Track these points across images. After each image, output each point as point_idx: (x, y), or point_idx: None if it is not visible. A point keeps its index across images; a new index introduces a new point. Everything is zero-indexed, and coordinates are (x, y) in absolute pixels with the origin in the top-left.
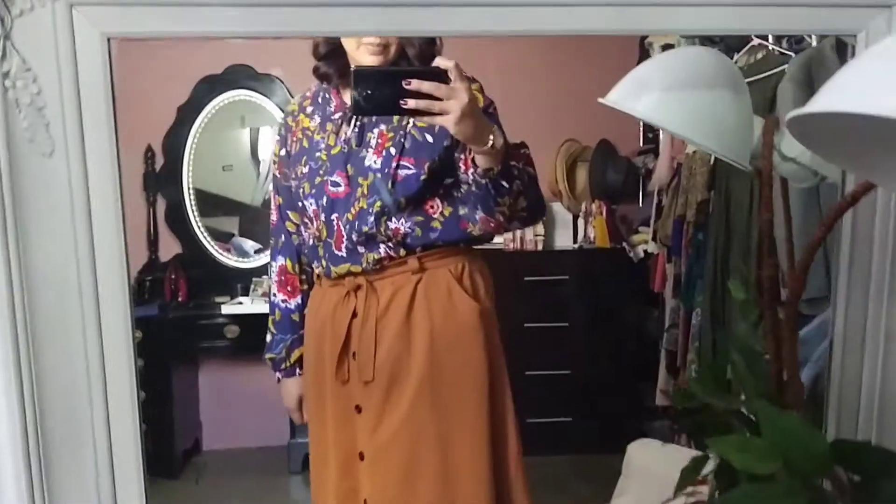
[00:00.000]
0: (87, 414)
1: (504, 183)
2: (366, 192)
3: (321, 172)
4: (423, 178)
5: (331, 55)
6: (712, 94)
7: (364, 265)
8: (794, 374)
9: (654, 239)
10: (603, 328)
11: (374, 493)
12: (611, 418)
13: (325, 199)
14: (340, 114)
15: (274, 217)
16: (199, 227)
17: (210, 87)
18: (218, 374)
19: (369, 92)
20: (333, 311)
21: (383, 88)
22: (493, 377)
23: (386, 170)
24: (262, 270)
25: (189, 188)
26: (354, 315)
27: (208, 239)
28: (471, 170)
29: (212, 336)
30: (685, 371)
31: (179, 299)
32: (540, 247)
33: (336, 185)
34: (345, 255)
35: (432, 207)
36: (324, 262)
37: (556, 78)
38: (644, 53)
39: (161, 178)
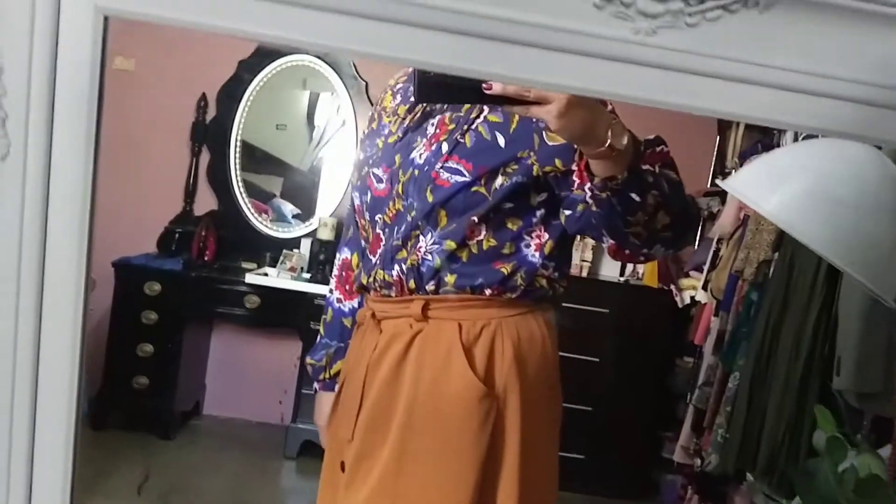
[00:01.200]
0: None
1: (634, 195)
2: (400, 191)
3: (370, 162)
4: (473, 189)
5: None
6: (867, 208)
7: (373, 282)
8: None
9: (704, 288)
10: (634, 369)
11: None
12: (625, 463)
13: (368, 194)
14: None
15: (350, 204)
16: (238, 184)
17: (275, 46)
18: (230, 341)
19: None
20: (352, 342)
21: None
22: (489, 475)
23: (427, 168)
24: (294, 243)
25: (236, 140)
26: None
27: (245, 199)
28: (587, 183)
29: (231, 302)
30: (710, 433)
31: (206, 258)
32: (584, 273)
33: (378, 179)
34: (373, 262)
35: (473, 232)
36: (361, 266)
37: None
38: None
39: (210, 129)
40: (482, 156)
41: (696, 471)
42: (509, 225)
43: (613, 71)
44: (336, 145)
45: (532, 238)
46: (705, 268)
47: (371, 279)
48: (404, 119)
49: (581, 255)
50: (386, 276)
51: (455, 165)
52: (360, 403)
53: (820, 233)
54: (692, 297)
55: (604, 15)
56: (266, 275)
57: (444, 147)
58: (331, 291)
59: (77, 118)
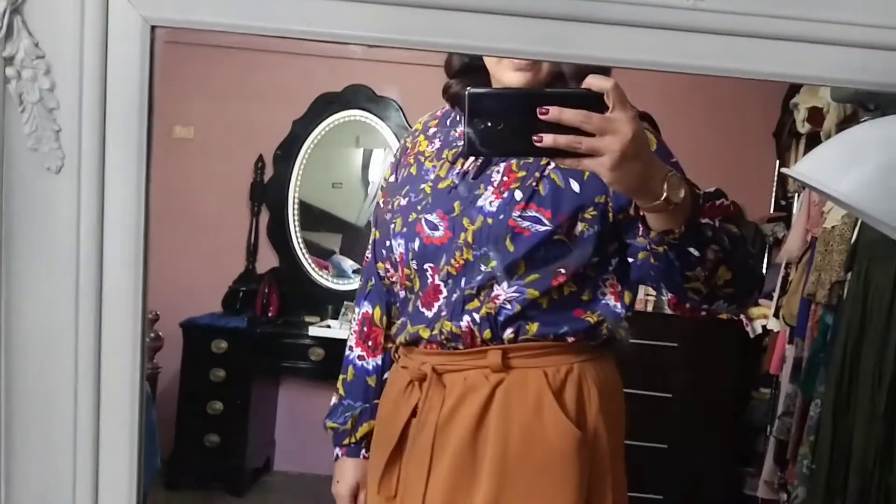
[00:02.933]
0: None
1: (692, 250)
2: (470, 240)
3: (419, 208)
4: (556, 237)
5: (466, 71)
6: None
7: (437, 335)
8: None
9: (775, 315)
10: (708, 404)
11: None
12: (704, 501)
13: (416, 242)
14: None
15: (369, 254)
16: (298, 242)
17: (327, 104)
18: (298, 395)
19: (489, 124)
20: (395, 402)
21: (509, 119)
22: None
23: (501, 216)
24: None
25: (294, 200)
26: (414, 414)
27: (306, 255)
28: (645, 238)
29: (296, 356)
30: (794, 465)
31: (269, 314)
32: (650, 308)
33: (433, 226)
34: (429, 316)
35: (556, 281)
36: (404, 319)
37: (689, 131)
38: (786, 114)
39: (268, 188)
40: (559, 203)
41: None
42: (588, 272)
43: (666, 41)
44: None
45: (607, 286)
46: (775, 294)
47: (434, 332)
48: (454, 164)
49: (645, 289)
50: (454, 328)
51: (534, 213)
52: (429, 466)
53: None
54: (764, 326)
55: None
56: (329, 327)
57: (518, 195)
58: (350, 349)
59: (128, 128)
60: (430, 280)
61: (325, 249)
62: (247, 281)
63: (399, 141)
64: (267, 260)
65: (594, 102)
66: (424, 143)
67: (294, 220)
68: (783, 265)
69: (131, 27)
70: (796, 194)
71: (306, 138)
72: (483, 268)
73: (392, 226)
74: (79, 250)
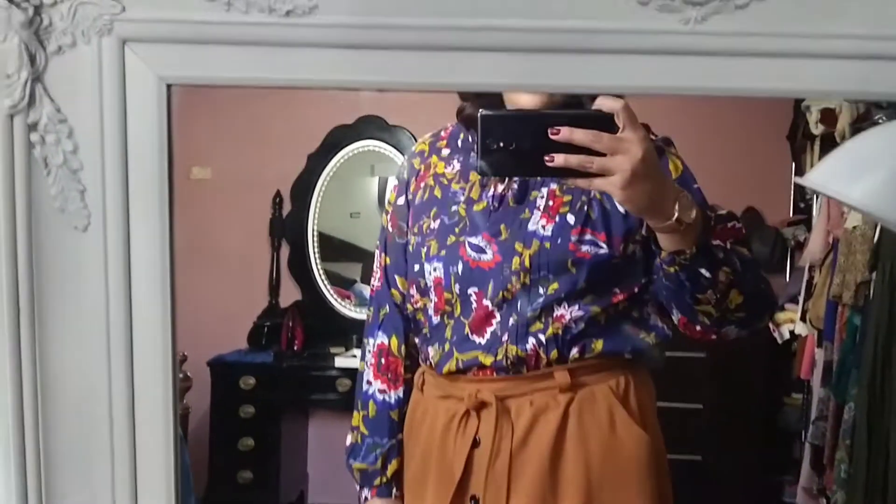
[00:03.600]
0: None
1: (703, 271)
2: (528, 264)
3: (457, 231)
4: (615, 260)
5: (480, 93)
6: None
7: (501, 360)
8: None
9: (802, 319)
10: (740, 413)
11: None
12: None
13: (459, 265)
14: None
15: (377, 282)
16: (319, 273)
17: (341, 136)
18: (327, 427)
19: (501, 144)
20: (443, 435)
21: (521, 139)
22: None
23: (559, 240)
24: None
25: (314, 232)
26: (476, 444)
27: (328, 286)
28: (656, 258)
29: (324, 388)
30: (832, 470)
31: (295, 348)
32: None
33: (479, 249)
34: (483, 342)
35: (615, 299)
36: (446, 346)
37: (701, 137)
38: (799, 116)
39: (287, 223)
40: (611, 226)
41: None
42: (639, 292)
43: (664, 65)
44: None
45: (651, 305)
46: (801, 298)
47: (497, 357)
48: (486, 187)
49: None
50: (519, 352)
51: (590, 237)
52: (507, 495)
53: None
54: (791, 331)
55: (650, 10)
56: (354, 356)
57: (571, 218)
58: (368, 383)
59: (150, 181)
60: (474, 304)
61: (347, 279)
62: (271, 316)
63: None
64: (290, 294)
65: (605, 123)
66: (441, 165)
67: (314, 253)
68: (807, 268)
69: (148, 87)
70: (815, 196)
71: (321, 171)
72: (542, 290)
73: (425, 249)
74: (108, 301)
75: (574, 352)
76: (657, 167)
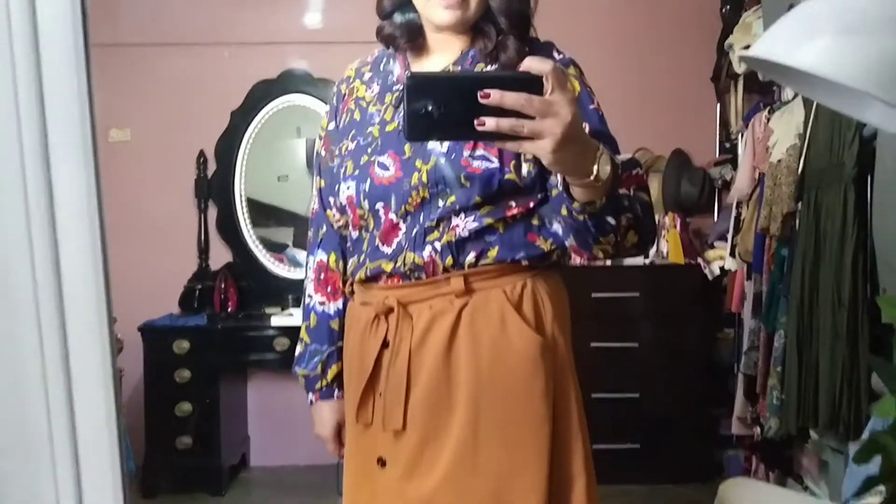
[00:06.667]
0: (42, 422)
1: (609, 219)
2: (425, 179)
3: (369, 151)
4: (506, 176)
5: (397, 12)
6: None
7: (401, 267)
8: None
9: (731, 255)
10: (675, 349)
11: None
12: (682, 446)
13: (368, 182)
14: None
15: (315, 204)
16: (251, 237)
17: (265, 91)
18: (266, 388)
19: (428, 108)
20: (362, 337)
21: (449, 103)
22: (562, 426)
23: (453, 156)
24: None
25: (241, 197)
26: (385, 345)
27: (260, 248)
28: (566, 202)
29: (261, 348)
30: (765, 398)
31: (229, 309)
32: (609, 262)
33: (384, 167)
34: (389, 252)
35: (509, 211)
36: (361, 257)
37: (627, 82)
38: (722, 56)
39: (213, 184)
40: None
41: (757, 439)
42: (537, 206)
43: None
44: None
45: (555, 217)
46: (729, 235)
47: (397, 265)
48: (398, 108)
49: None
50: (416, 259)
51: (482, 153)
52: (407, 389)
53: (864, 73)
54: (721, 268)
55: None
56: (291, 315)
57: None
58: (310, 297)
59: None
60: (383, 218)
61: (278, 244)
62: (202, 278)
63: None
64: (220, 256)
65: (534, 85)
66: (363, 89)
67: (244, 213)
68: (734, 205)
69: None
70: (740, 135)
71: (246, 129)
72: (441, 203)
73: (343, 170)
74: (34, 268)
75: (470, 258)
76: (582, 129)
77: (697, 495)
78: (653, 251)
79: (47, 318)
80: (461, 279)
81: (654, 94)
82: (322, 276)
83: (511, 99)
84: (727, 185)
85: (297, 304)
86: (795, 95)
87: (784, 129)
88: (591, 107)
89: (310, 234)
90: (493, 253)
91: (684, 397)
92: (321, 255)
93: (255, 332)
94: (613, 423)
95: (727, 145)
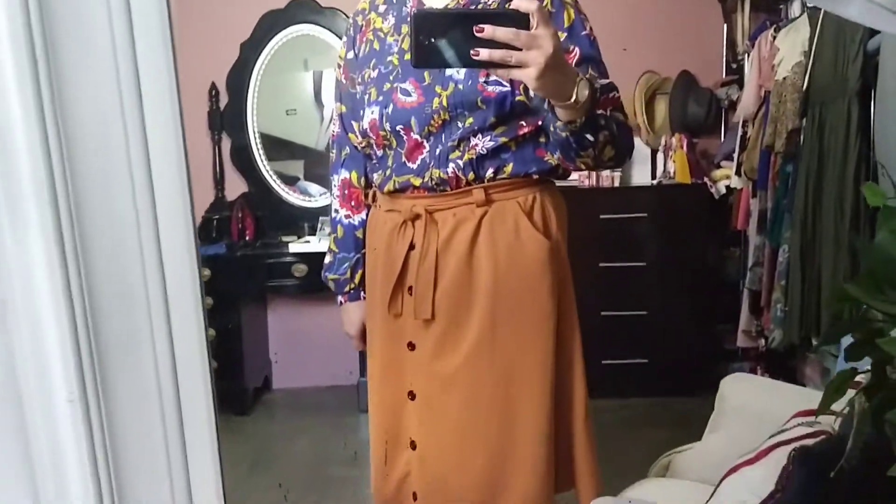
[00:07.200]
0: (145, 320)
1: (588, 136)
2: (445, 103)
3: (391, 78)
4: (518, 98)
5: None
6: None
7: (427, 181)
8: None
9: (737, 173)
10: (681, 268)
11: (423, 436)
12: (688, 361)
13: (391, 107)
14: None
15: (336, 128)
16: (265, 165)
17: (273, 21)
18: (286, 313)
19: (432, 40)
20: (388, 239)
21: (449, 36)
22: (562, 320)
23: (470, 82)
24: (328, 210)
25: (254, 125)
26: (412, 247)
27: (275, 178)
28: (551, 121)
29: (280, 274)
30: (769, 311)
31: (247, 238)
32: (617, 183)
33: (406, 93)
34: (414, 167)
35: (521, 129)
36: (387, 172)
37: (634, 4)
38: None
39: (226, 116)
40: None
41: (762, 351)
42: (541, 123)
43: None
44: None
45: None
46: (735, 153)
47: (425, 180)
48: None
49: None
50: (441, 174)
51: (495, 78)
52: (434, 283)
53: None
54: (727, 187)
55: None
56: (308, 242)
57: None
58: (336, 211)
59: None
60: (405, 138)
61: (290, 177)
62: (219, 209)
63: None
64: (236, 186)
65: (522, 21)
66: (379, 20)
67: (257, 144)
68: (740, 124)
69: None
70: (746, 55)
71: (256, 60)
72: (461, 124)
73: (367, 96)
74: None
75: (489, 173)
76: (564, 59)
77: (696, 406)
78: (660, 171)
79: (142, 200)
80: (482, 191)
81: (660, 15)
82: (346, 192)
83: (501, 33)
84: (733, 106)
85: (312, 232)
86: (801, 13)
87: (789, 47)
88: (584, 33)
89: (332, 155)
90: (508, 168)
91: (691, 314)
92: (344, 174)
93: (273, 259)
94: (622, 340)
95: (734, 66)
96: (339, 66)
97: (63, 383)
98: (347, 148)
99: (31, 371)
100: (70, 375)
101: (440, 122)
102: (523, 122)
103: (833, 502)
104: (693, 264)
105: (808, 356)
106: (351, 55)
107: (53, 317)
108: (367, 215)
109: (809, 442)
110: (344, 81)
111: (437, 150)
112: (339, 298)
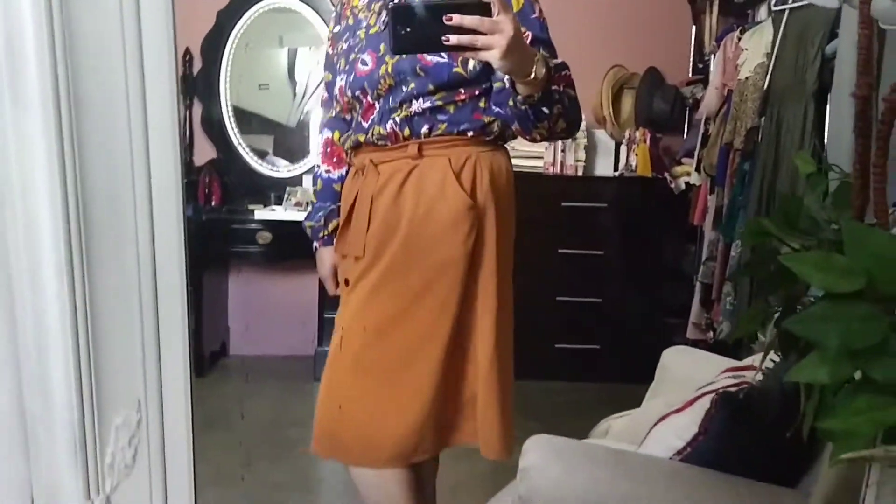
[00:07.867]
0: (129, 204)
1: (544, 109)
2: (389, 70)
3: (356, 51)
4: (455, 69)
5: None
6: None
7: (371, 137)
8: (880, 193)
9: (697, 169)
10: (638, 259)
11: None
12: (639, 349)
13: (353, 76)
14: None
15: (325, 93)
16: (235, 132)
17: None
18: (248, 280)
19: (409, 29)
20: (349, 186)
21: (423, 25)
22: (474, 276)
23: None
24: (297, 181)
25: (226, 90)
26: (358, 194)
27: (245, 147)
28: (510, 96)
29: (244, 241)
30: (719, 304)
31: (213, 203)
32: (580, 172)
33: (364, 63)
34: (365, 126)
35: (458, 96)
36: (350, 132)
37: (606, 1)
38: None
39: (198, 81)
40: None
41: (710, 343)
42: (482, 93)
43: None
44: (320, 96)
45: (503, 105)
46: (696, 150)
47: (369, 136)
48: (380, 14)
49: (575, 154)
50: (381, 130)
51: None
52: (367, 226)
53: None
54: (687, 183)
55: None
56: (274, 210)
57: None
58: (318, 167)
59: None
60: (363, 102)
61: (259, 150)
62: (186, 173)
63: (326, 26)
64: (205, 152)
65: (485, 9)
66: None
67: (228, 114)
68: (703, 122)
69: None
70: (712, 56)
71: (232, 29)
72: (404, 89)
73: (338, 66)
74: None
75: (423, 129)
76: (523, 41)
77: (644, 393)
78: (622, 164)
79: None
80: (416, 146)
81: (630, 12)
82: (329, 150)
83: (468, 20)
84: (698, 104)
85: (279, 201)
86: (767, 16)
87: (754, 48)
88: (533, 16)
89: (321, 115)
90: (442, 127)
91: (644, 304)
92: (327, 133)
93: (238, 224)
94: (576, 325)
95: (700, 66)
96: (329, 39)
97: (52, 254)
98: (332, 111)
99: (20, 240)
100: (59, 243)
101: (387, 86)
102: (461, 90)
103: (754, 447)
104: (649, 257)
105: (752, 347)
106: (337, 28)
107: (47, 192)
108: (345, 172)
109: (733, 389)
110: (331, 52)
111: (382, 111)
112: (315, 244)
